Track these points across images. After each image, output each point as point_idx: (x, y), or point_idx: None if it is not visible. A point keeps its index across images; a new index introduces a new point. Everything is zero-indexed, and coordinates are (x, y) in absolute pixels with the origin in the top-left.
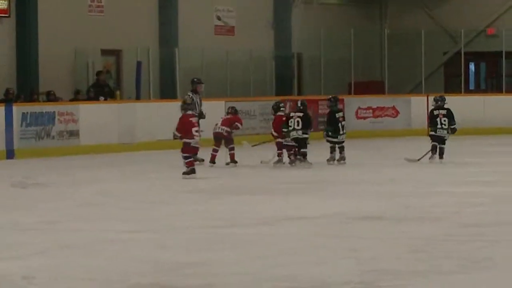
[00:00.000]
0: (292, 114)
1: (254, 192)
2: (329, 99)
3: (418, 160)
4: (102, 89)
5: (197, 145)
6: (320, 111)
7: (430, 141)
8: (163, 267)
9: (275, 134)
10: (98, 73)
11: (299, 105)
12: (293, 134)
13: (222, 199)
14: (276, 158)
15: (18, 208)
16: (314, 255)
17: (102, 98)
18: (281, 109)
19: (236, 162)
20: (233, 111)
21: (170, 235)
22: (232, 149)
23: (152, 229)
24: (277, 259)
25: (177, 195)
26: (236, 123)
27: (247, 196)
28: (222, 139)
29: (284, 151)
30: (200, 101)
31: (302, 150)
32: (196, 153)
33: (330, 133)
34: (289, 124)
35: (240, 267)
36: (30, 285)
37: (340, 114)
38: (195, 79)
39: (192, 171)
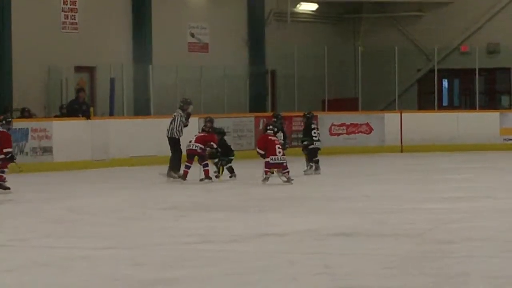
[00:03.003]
0: (313, 125)
1: (227, 209)
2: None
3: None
4: (80, 106)
5: None
6: (293, 128)
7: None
8: (135, 284)
9: (261, 152)
10: (79, 90)
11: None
12: (318, 144)
13: (195, 216)
14: (264, 176)
15: None
16: (287, 272)
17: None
18: (268, 130)
19: (210, 178)
20: (209, 125)
21: (142, 251)
22: (206, 165)
23: (125, 246)
24: (250, 276)
25: (149, 212)
26: (211, 143)
27: (220, 212)
28: (196, 156)
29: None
30: (185, 120)
31: (316, 159)
32: None
33: None
34: (314, 135)
35: (212, 284)
36: None
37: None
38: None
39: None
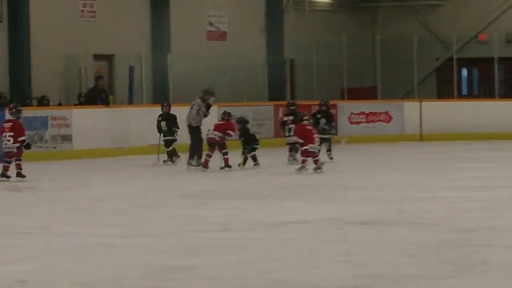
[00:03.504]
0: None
1: (247, 197)
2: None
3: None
4: (99, 94)
5: None
6: None
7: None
8: (154, 272)
9: (301, 141)
10: (97, 78)
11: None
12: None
13: (215, 204)
14: (300, 164)
15: (11, 212)
16: (307, 259)
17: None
18: (304, 120)
19: (230, 166)
20: (227, 118)
21: (162, 239)
22: (226, 153)
23: (144, 233)
24: (269, 264)
25: (169, 200)
26: (229, 131)
27: (240, 200)
28: (216, 145)
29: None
30: (206, 110)
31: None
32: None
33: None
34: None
35: (231, 272)
36: None
37: (290, 117)
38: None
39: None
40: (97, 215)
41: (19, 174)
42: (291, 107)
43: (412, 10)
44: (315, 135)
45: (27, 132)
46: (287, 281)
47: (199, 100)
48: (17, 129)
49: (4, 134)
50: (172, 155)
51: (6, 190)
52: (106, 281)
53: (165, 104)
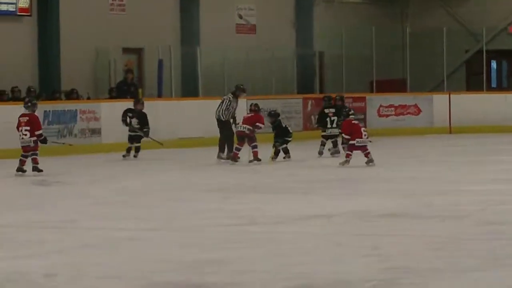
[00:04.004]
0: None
1: (275, 190)
2: (322, 98)
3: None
4: (128, 88)
5: None
6: None
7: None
8: (181, 265)
9: (346, 137)
10: (127, 72)
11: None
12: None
13: (243, 197)
14: (345, 159)
15: (39, 206)
16: (334, 252)
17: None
18: (350, 115)
19: (259, 159)
20: (256, 109)
21: (188, 233)
22: (255, 147)
23: (170, 227)
24: (297, 257)
25: (196, 193)
26: (257, 123)
27: (268, 194)
28: (245, 138)
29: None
30: (234, 109)
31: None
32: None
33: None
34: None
35: (259, 265)
36: (51, 283)
37: (331, 110)
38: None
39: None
40: (124, 209)
41: (35, 169)
42: (330, 101)
43: (442, 2)
44: (363, 129)
45: (56, 126)
46: (314, 274)
47: (230, 95)
48: (34, 123)
49: (20, 128)
50: (139, 150)
51: (34, 184)
52: (132, 275)
53: (140, 101)
